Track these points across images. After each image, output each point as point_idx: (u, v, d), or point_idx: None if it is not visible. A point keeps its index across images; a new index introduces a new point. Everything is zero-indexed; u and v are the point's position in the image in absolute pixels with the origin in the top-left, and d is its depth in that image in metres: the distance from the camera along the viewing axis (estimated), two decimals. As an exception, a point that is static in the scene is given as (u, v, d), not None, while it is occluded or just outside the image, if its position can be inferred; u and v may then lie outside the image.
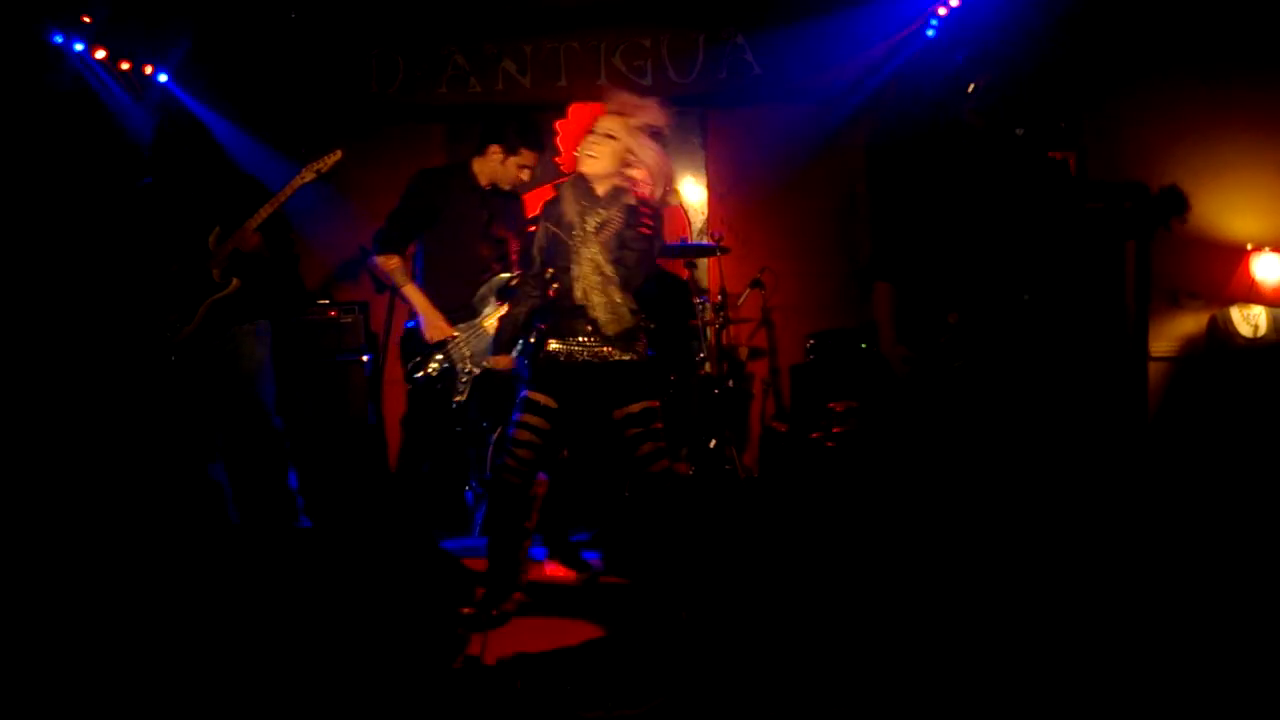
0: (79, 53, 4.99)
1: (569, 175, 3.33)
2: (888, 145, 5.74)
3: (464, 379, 4.12)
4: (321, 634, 3.01)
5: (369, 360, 5.23)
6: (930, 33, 5.47)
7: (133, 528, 4.22)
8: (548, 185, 4.14)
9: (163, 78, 5.33)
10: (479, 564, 3.51)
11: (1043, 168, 3.78)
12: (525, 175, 4.30)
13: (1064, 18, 5.11)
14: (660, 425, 3.29)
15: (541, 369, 3.34)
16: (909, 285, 3.66)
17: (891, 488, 3.94)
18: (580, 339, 3.27)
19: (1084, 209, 4.04)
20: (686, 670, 2.79)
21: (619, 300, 3.20)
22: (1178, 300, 5.25)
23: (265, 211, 3.94)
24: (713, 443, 4.99)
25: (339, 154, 4.03)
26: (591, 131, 3.26)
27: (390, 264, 4.20)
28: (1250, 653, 2.70)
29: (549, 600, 3.56)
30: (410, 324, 4.25)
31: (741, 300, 5.49)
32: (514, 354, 3.63)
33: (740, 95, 5.89)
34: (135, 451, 4.55)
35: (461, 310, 4.18)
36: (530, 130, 4.26)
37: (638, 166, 3.27)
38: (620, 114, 3.27)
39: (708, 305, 5.23)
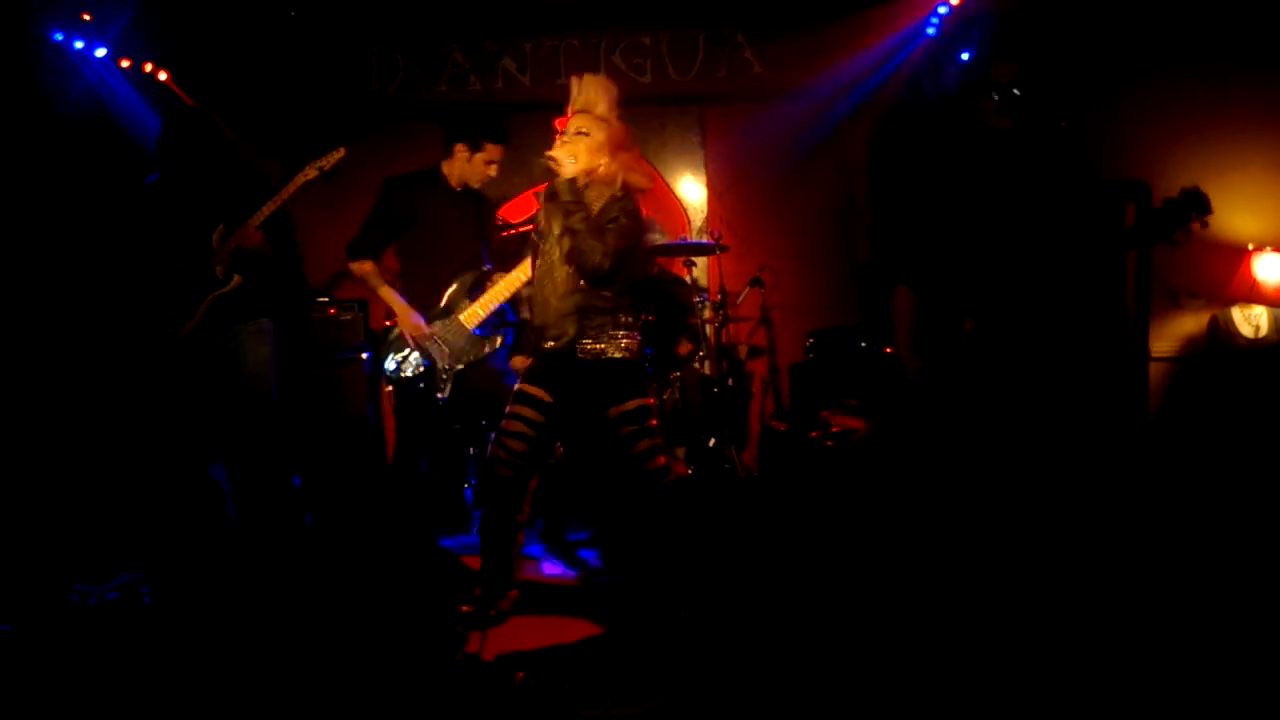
0: (79, 50, 4.98)
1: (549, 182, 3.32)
2: (893, 144, 5.73)
3: (444, 375, 4.14)
4: (321, 632, 3.01)
5: (368, 358, 5.23)
6: (930, 31, 5.46)
7: (133, 524, 4.22)
8: (528, 192, 4.17)
9: (163, 75, 5.33)
10: (478, 562, 3.50)
11: (1056, 165, 3.76)
12: (493, 170, 4.34)
13: (1064, 17, 5.11)
14: (655, 422, 3.30)
15: (536, 364, 3.36)
16: (929, 288, 3.65)
17: (892, 487, 3.93)
18: (563, 340, 3.30)
19: (1104, 214, 4.02)
20: (685, 669, 2.78)
21: (585, 305, 3.26)
22: (1179, 300, 5.24)
23: (268, 209, 3.95)
24: (712, 441, 4.99)
25: (342, 151, 4.04)
26: (563, 133, 3.27)
27: (364, 269, 4.26)
28: (1250, 652, 2.69)
29: (547, 598, 3.55)
30: (388, 324, 4.27)
31: (741, 299, 5.49)
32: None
33: (740, 93, 5.90)
34: (135, 448, 4.55)
35: (442, 311, 4.21)
36: (492, 125, 4.31)
37: (615, 153, 3.28)
38: (586, 110, 3.28)
39: (707, 303, 5.23)
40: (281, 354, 4.20)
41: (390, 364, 4.20)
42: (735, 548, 3.81)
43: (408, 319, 4.16)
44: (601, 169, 3.26)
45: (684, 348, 5.15)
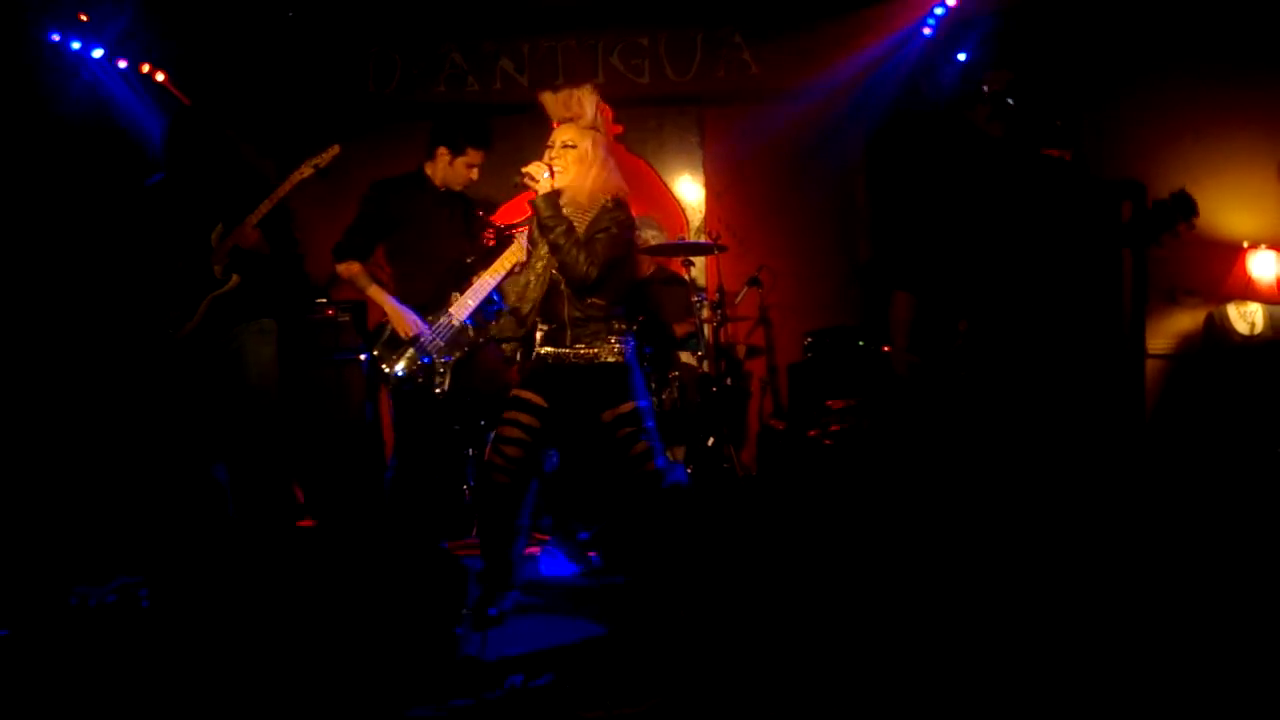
0: (76, 51, 4.98)
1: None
2: (891, 145, 5.74)
3: (441, 369, 4.16)
4: (320, 633, 3.01)
5: (366, 359, 5.23)
6: (927, 31, 5.47)
7: (132, 527, 4.22)
8: (521, 197, 4.19)
9: (160, 76, 5.33)
10: (478, 562, 3.51)
11: (1059, 173, 3.78)
12: (474, 174, 4.38)
13: (1063, 17, 5.12)
14: (652, 424, 3.32)
15: (531, 369, 3.37)
16: (927, 292, 3.67)
17: (891, 486, 3.94)
18: (557, 346, 3.30)
19: (1099, 214, 4.04)
20: (686, 669, 2.79)
21: (575, 312, 3.27)
22: (1175, 298, 5.26)
23: (264, 207, 3.96)
24: (711, 441, 4.99)
25: (336, 149, 4.05)
26: (550, 146, 3.26)
27: (351, 270, 4.28)
28: (1249, 651, 2.70)
29: (548, 598, 3.56)
30: (381, 324, 4.29)
31: (739, 299, 5.50)
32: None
33: (738, 94, 5.90)
34: (135, 449, 4.55)
35: (432, 307, 4.23)
36: (475, 130, 4.34)
37: (605, 161, 3.28)
38: (571, 121, 3.27)
39: (705, 303, 5.24)
40: (282, 355, 4.20)
41: (386, 363, 4.21)
42: (734, 547, 3.82)
43: (400, 317, 4.18)
44: (591, 179, 3.26)
45: (682, 328, 5.17)
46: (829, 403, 4.82)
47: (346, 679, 2.73)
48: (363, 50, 5.82)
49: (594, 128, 3.29)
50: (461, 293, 4.19)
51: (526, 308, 3.32)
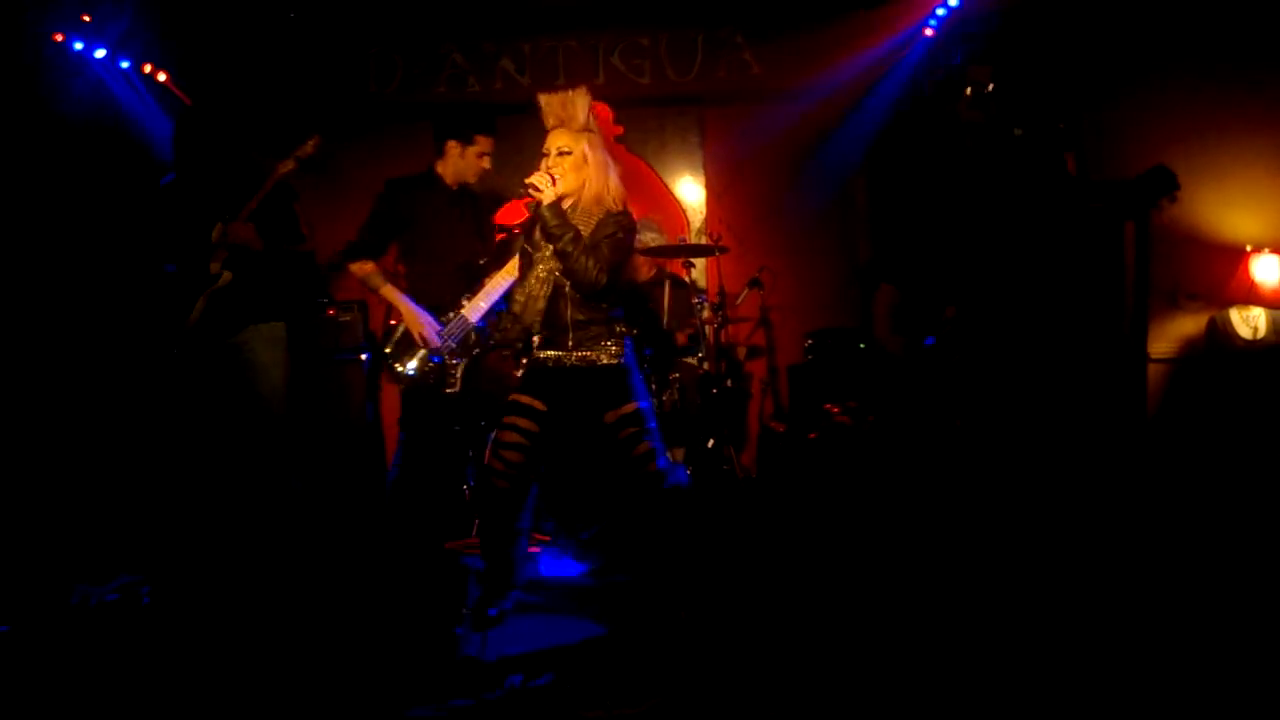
0: (79, 51, 4.98)
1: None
2: (886, 144, 5.74)
3: (453, 370, 4.15)
4: (321, 632, 3.01)
5: (367, 359, 5.23)
6: (928, 33, 5.47)
7: (134, 525, 4.22)
8: (519, 200, 4.18)
9: (162, 76, 5.33)
10: (479, 562, 3.51)
11: (1041, 165, 3.80)
12: (486, 163, 4.38)
13: (1064, 17, 5.12)
14: (654, 425, 3.31)
15: (530, 373, 3.36)
16: (910, 283, 3.69)
17: (892, 487, 3.94)
18: (558, 349, 3.30)
19: (1083, 207, 4.06)
20: (686, 669, 2.79)
21: (579, 316, 3.26)
22: (1177, 301, 5.25)
23: (253, 203, 3.95)
24: (711, 442, 4.99)
25: (317, 139, 4.03)
26: (546, 154, 3.25)
27: (364, 269, 4.29)
28: (1249, 652, 2.70)
29: (548, 599, 3.55)
30: (393, 323, 4.28)
31: (740, 300, 5.49)
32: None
33: (738, 94, 5.90)
34: (137, 448, 4.55)
35: (445, 307, 4.22)
36: (480, 118, 4.36)
37: (603, 164, 3.27)
38: (565, 125, 3.25)
39: (706, 304, 5.23)
40: (292, 359, 4.18)
41: (399, 362, 4.21)
42: (734, 549, 3.82)
43: (413, 318, 4.18)
44: (589, 185, 3.25)
45: (682, 336, 5.17)
46: (828, 406, 4.82)
47: (347, 678, 2.72)
48: (363, 50, 5.83)
49: (588, 130, 3.27)
50: (474, 294, 4.19)
51: (532, 312, 3.30)
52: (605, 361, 3.29)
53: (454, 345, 4.18)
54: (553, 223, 3.19)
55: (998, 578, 3.28)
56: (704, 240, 5.50)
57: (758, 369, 5.88)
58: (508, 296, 4.17)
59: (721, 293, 5.30)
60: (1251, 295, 5.00)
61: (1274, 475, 4.42)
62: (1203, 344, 5.20)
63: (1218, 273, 5.11)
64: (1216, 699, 2.47)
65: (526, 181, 3.22)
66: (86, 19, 4.95)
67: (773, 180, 5.93)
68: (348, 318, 5.24)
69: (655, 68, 5.87)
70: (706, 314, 5.20)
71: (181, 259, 4.01)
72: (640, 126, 5.98)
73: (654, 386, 4.76)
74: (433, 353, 4.17)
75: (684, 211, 6.13)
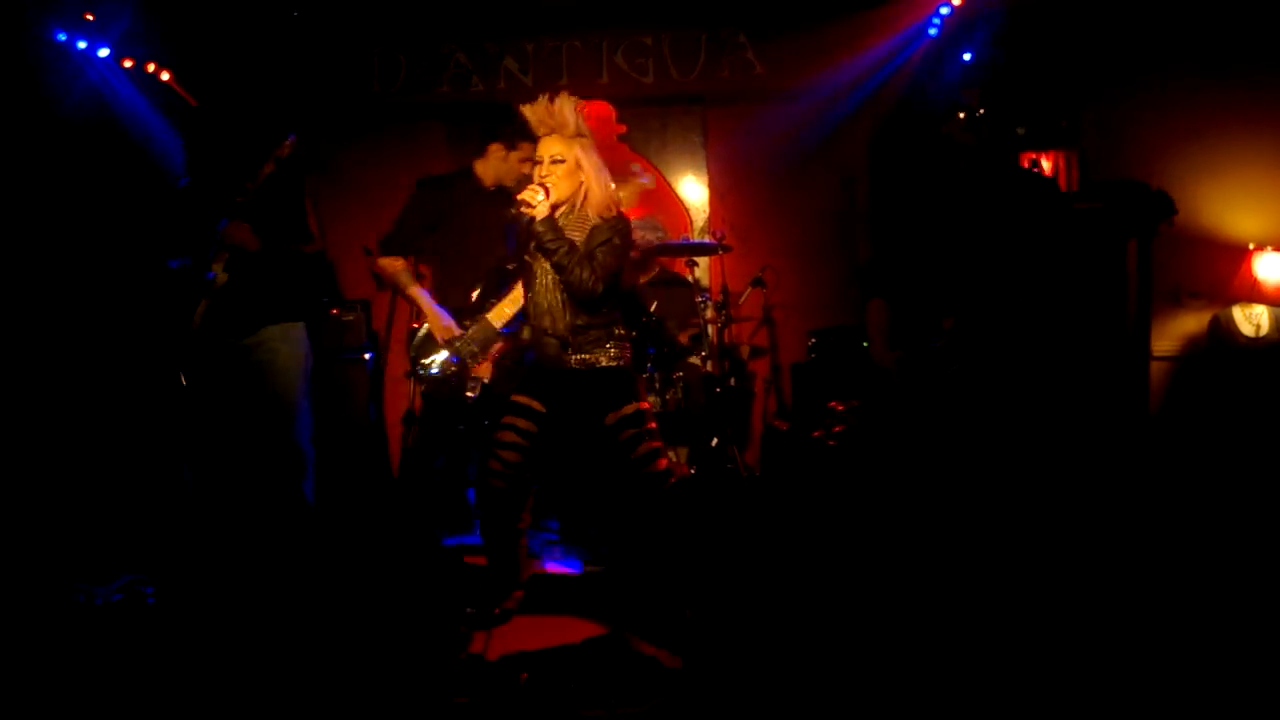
0: (81, 51, 4.99)
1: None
2: (888, 151, 5.74)
3: (473, 378, 4.14)
4: (325, 632, 3.02)
5: (370, 358, 5.23)
6: (932, 31, 5.47)
7: (138, 525, 4.23)
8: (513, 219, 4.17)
9: (165, 76, 5.34)
10: (482, 561, 3.51)
11: (1029, 180, 3.85)
12: (526, 168, 4.32)
13: (1065, 16, 5.11)
14: (654, 425, 3.32)
15: (530, 374, 3.37)
16: (903, 297, 3.72)
17: (893, 487, 3.94)
18: (560, 351, 3.30)
19: (1075, 213, 4.09)
20: (688, 669, 2.79)
21: (577, 320, 3.26)
22: (1180, 299, 5.25)
23: (241, 203, 3.94)
24: (714, 441, 4.99)
25: (292, 138, 4.00)
26: (539, 162, 3.24)
27: (395, 266, 4.26)
28: (1250, 651, 2.70)
29: (552, 597, 3.56)
30: (416, 325, 4.27)
31: (743, 299, 5.49)
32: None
33: (742, 94, 5.90)
34: (141, 448, 4.56)
35: (471, 311, 4.21)
36: (525, 123, 4.30)
37: (598, 168, 3.26)
38: (555, 132, 3.24)
39: (709, 304, 5.23)
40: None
41: (421, 364, 4.20)
42: (738, 548, 3.82)
43: (436, 319, 4.16)
44: (584, 191, 3.24)
45: (684, 336, 5.17)
46: (832, 404, 4.81)
47: (351, 677, 2.73)
48: (367, 50, 5.83)
49: (580, 135, 3.25)
50: (500, 299, 4.14)
51: (544, 319, 3.30)
52: (605, 364, 3.30)
53: (476, 349, 4.14)
54: (547, 237, 3.18)
55: (1002, 575, 3.28)
56: (707, 239, 5.50)
57: (761, 368, 5.88)
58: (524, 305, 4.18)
59: (725, 292, 5.30)
60: (1254, 293, 5.00)
61: (1276, 473, 4.42)
62: (1205, 342, 5.20)
63: (1220, 271, 5.11)
64: (1217, 697, 2.47)
65: (518, 198, 3.20)
66: (89, 18, 4.95)
67: (776, 179, 5.93)
68: (351, 317, 5.25)
69: (658, 67, 5.87)
70: (710, 313, 5.21)
71: (187, 258, 4.01)
72: (643, 126, 5.98)
73: (657, 386, 4.77)
74: (454, 355, 4.15)
75: (687, 211, 6.13)
